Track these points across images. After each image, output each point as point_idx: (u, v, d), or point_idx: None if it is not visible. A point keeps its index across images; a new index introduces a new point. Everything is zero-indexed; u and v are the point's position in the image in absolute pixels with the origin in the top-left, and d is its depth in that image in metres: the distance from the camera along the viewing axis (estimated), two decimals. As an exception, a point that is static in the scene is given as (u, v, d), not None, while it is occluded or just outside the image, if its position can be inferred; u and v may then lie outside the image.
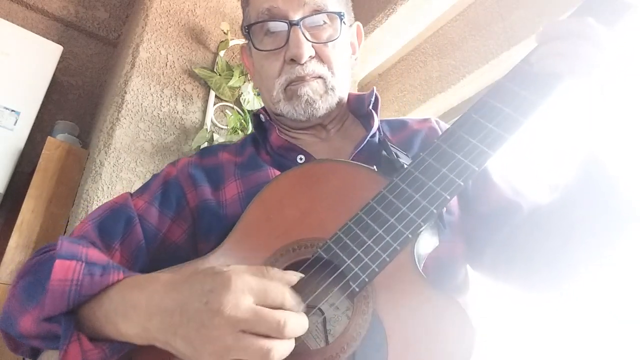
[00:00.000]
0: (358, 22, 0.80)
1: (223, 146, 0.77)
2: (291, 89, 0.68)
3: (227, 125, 1.71)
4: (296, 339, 0.42)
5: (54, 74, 1.87)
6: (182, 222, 0.66)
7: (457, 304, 0.42)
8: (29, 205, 1.53)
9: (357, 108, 0.78)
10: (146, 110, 1.60)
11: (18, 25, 1.87)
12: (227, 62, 1.79)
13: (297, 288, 0.48)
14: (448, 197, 0.49)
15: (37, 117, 1.77)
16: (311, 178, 0.56)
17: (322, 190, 0.54)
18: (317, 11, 0.68)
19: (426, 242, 0.51)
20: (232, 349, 0.39)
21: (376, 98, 0.77)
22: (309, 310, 0.48)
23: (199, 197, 0.67)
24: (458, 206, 0.68)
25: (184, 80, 1.72)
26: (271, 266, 0.47)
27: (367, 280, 0.46)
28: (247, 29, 0.72)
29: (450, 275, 0.64)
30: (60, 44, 1.91)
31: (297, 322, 0.41)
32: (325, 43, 0.68)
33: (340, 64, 0.71)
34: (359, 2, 2.09)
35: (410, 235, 0.47)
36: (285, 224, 0.53)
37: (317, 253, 0.49)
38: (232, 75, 1.74)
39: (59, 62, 1.91)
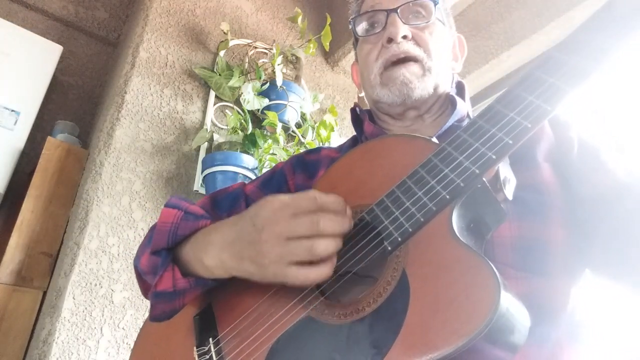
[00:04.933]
0: (460, 35, 0.83)
1: (328, 147, 0.84)
2: (386, 74, 0.71)
3: (227, 125, 1.71)
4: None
5: (54, 74, 1.87)
6: None
7: (484, 263, 0.40)
8: (29, 205, 1.53)
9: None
10: (146, 110, 1.60)
11: (18, 25, 1.87)
12: (227, 62, 1.79)
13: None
14: (494, 157, 0.46)
15: (37, 117, 1.77)
16: (372, 152, 0.58)
17: (380, 162, 0.56)
18: (414, 0, 0.73)
19: (481, 209, 0.47)
20: (284, 254, 0.47)
21: (459, 84, 0.78)
22: (345, 272, 0.52)
23: (295, 182, 0.76)
24: (558, 185, 0.62)
25: (184, 80, 1.72)
26: None
27: (399, 239, 0.47)
28: (353, 22, 0.78)
29: (542, 258, 0.57)
30: (60, 44, 1.91)
31: (331, 219, 0.47)
32: (421, 29, 0.72)
33: (437, 51, 0.72)
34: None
35: (448, 196, 0.46)
36: (344, 194, 0.57)
37: (361, 216, 0.52)
38: (232, 75, 1.73)
39: (59, 62, 1.91)
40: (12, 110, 1.70)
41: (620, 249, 0.57)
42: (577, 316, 0.58)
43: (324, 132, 1.80)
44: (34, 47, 1.83)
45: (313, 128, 1.84)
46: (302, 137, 1.81)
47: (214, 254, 0.56)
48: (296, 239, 0.47)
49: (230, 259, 0.53)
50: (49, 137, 1.67)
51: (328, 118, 1.85)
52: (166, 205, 0.65)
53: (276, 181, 0.77)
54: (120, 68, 1.79)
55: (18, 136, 1.69)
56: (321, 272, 0.47)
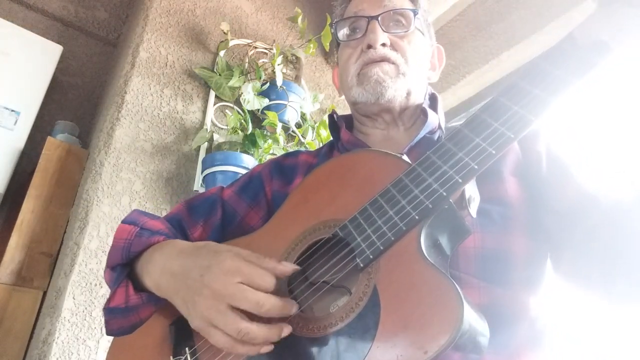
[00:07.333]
0: (439, 45, 0.85)
1: (306, 151, 0.85)
2: (362, 73, 0.73)
3: (227, 125, 1.71)
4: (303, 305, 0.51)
5: (54, 74, 1.87)
6: (259, 209, 0.76)
7: (450, 283, 0.42)
8: (29, 205, 1.53)
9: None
10: (146, 110, 1.60)
11: (18, 25, 1.87)
12: (227, 62, 1.79)
13: (310, 263, 0.55)
14: (460, 180, 0.48)
15: (37, 117, 1.77)
16: (345, 166, 0.60)
17: (353, 176, 0.58)
18: (394, 9, 0.75)
19: (447, 227, 0.50)
20: (216, 319, 0.47)
21: (432, 96, 0.79)
22: (321, 285, 0.54)
23: (273, 188, 0.76)
24: (523, 198, 0.64)
25: (184, 80, 1.72)
26: (299, 243, 0.57)
27: (371, 257, 0.49)
28: (335, 26, 0.80)
29: (503, 269, 0.59)
30: (60, 44, 1.91)
31: (276, 304, 0.47)
32: (400, 37, 0.74)
33: (414, 58, 0.74)
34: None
35: (417, 217, 0.48)
36: (317, 206, 0.59)
37: (335, 231, 0.54)
38: (232, 75, 1.73)
39: (59, 62, 1.91)
40: (12, 110, 1.70)
41: (589, 260, 0.58)
42: (538, 325, 0.60)
43: (324, 132, 1.80)
44: (34, 47, 1.83)
45: (313, 128, 1.84)
46: (302, 137, 1.81)
47: (153, 277, 0.57)
48: (237, 313, 0.46)
49: (166, 287, 0.55)
50: (49, 137, 1.67)
51: (328, 118, 1.85)
52: (123, 222, 0.66)
53: (254, 186, 0.77)
54: (120, 68, 1.79)
55: (18, 136, 1.69)
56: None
